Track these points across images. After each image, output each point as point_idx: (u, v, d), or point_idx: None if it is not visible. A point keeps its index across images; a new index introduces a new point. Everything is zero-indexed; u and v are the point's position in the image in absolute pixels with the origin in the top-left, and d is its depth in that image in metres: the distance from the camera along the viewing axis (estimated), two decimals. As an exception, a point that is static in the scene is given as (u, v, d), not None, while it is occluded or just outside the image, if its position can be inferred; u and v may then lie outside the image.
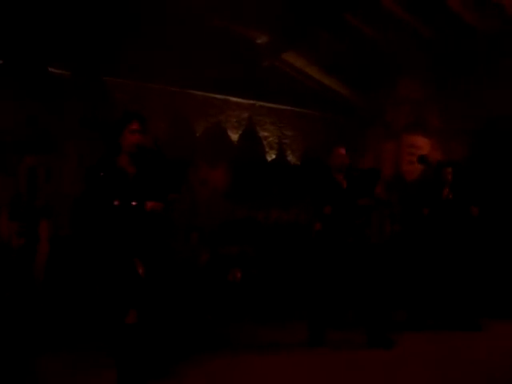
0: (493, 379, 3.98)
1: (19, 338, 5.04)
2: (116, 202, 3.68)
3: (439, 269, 5.80)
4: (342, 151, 5.29)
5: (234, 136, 8.93)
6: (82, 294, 5.73)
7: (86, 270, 5.66)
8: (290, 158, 9.54)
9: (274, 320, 6.28)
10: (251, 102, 9.18)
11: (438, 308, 5.92)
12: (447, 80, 7.77)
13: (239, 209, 8.07)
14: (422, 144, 8.32)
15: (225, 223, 7.62)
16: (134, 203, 3.74)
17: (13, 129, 6.44)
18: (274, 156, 9.30)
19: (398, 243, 6.75)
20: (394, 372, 4.22)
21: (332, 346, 5.03)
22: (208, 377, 4.26)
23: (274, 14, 7.35)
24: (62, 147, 6.89)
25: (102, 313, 4.80)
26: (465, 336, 5.42)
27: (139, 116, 3.88)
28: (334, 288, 5.15)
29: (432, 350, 4.93)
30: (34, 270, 5.89)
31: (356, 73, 8.54)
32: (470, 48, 7.45)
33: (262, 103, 9.29)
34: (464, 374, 4.10)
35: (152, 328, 3.93)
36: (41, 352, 4.81)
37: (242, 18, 7.74)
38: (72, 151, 6.89)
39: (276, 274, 6.90)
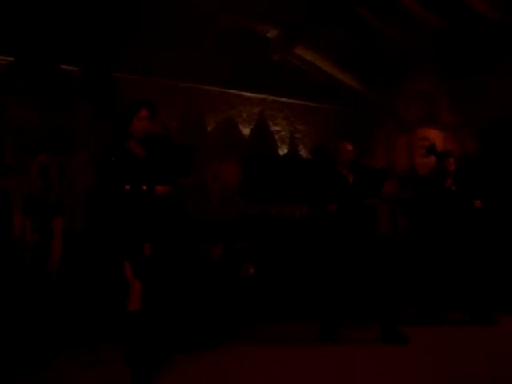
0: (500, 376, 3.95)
1: (33, 333, 5.09)
2: (127, 187, 3.76)
3: (450, 262, 5.76)
4: (349, 146, 5.31)
5: (246, 131, 8.92)
6: (94, 289, 5.77)
7: (99, 263, 5.71)
8: (302, 152, 9.51)
9: (287, 315, 6.28)
10: (263, 96, 9.16)
11: (451, 302, 5.89)
12: (459, 74, 7.68)
13: (251, 204, 8.06)
14: (435, 137, 8.26)
15: (237, 218, 7.61)
16: (144, 187, 3.81)
17: (25, 126, 6.49)
18: (286, 150, 9.28)
19: (411, 237, 6.71)
20: (406, 367, 4.21)
21: (345, 342, 5.03)
22: (217, 368, 4.31)
23: (284, 8, 7.32)
24: (74, 144, 6.92)
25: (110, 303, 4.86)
26: (478, 330, 5.39)
27: (148, 104, 4.01)
28: (344, 284, 5.15)
29: (445, 344, 4.92)
30: (48, 267, 5.93)
31: (368, 66, 8.48)
32: (483, 41, 7.36)
33: (273, 97, 9.26)
34: (474, 370, 4.08)
35: (159, 316, 3.98)
36: (55, 348, 4.86)
37: (253, 12, 7.72)
38: (83, 148, 6.92)
39: (289, 269, 6.89)
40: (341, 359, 4.50)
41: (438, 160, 6.05)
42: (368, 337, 5.10)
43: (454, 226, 5.78)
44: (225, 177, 8.09)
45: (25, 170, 6.22)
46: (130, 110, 3.98)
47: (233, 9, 7.43)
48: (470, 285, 5.73)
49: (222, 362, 4.50)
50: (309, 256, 6.59)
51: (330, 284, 5.21)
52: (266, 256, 6.99)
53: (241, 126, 8.87)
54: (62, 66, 7.07)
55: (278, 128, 9.31)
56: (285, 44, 8.62)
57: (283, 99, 9.38)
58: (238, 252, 6.84)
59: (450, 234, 5.78)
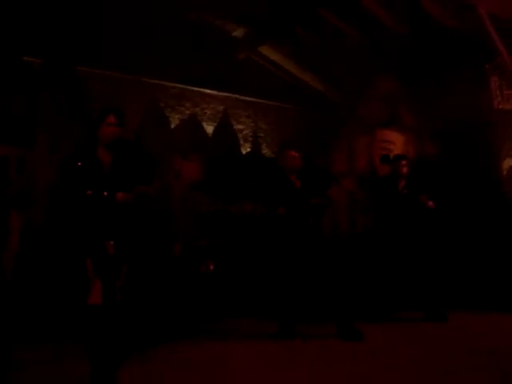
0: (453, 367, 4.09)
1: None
2: (89, 192, 3.78)
3: (403, 260, 5.92)
4: (295, 154, 5.38)
5: (209, 128, 8.94)
6: (53, 284, 5.72)
7: (58, 259, 5.67)
8: (265, 151, 9.58)
9: (246, 312, 6.33)
10: (226, 94, 9.20)
11: (404, 299, 6.06)
12: (419, 76, 7.86)
13: (213, 201, 8.07)
14: (396, 139, 8.39)
15: (199, 216, 7.63)
16: (105, 193, 3.84)
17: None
18: (248, 149, 9.33)
19: (369, 237, 6.85)
20: (359, 362, 4.31)
21: (301, 339, 5.10)
22: (177, 363, 4.34)
23: (250, 8, 7.38)
24: (35, 137, 6.82)
25: (71, 297, 4.84)
26: (432, 326, 5.56)
27: (116, 110, 4.03)
28: (299, 282, 5.24)
29: (400, 340, 5.04)
30: (4, 262, 5.84)
31: (331, 68, 8.60)
32: (441, 46, 7.56)
33: (237, 96, 9.32)
34: (427, 362, 4.21)
35: (119, 312, 3.99)
36: (15, 343, 4.82)
37: (219, 10, 7.75)
38: (45, 141, 6.82)
39: (248, 267, 6.95)
40: (295, 354, 4.58)
41: (391, 163, 6.26)
42: (325, 333, 5.19)
43: (406, 227, 5.97)
44: (187, 174, 8.09)
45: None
46: (98, 116, 4.01)
47: (200, 7, 7.45)
48: (424, 283, 5.91)
49: (182, 357, 4.53)
50: (265, 255, 6.67)
51: (282, 283, 5.30)
52: (226, 253, 7.03)
53: (204, 124, 8.89)
54: (25, 58, 6.97)
55: (241, 126, 9.37)
56: (250, 43, 8.68)
57: (247, 98, 9.44)
58: (198, 249, 6.87)
59: (403, 235, 5.96)
